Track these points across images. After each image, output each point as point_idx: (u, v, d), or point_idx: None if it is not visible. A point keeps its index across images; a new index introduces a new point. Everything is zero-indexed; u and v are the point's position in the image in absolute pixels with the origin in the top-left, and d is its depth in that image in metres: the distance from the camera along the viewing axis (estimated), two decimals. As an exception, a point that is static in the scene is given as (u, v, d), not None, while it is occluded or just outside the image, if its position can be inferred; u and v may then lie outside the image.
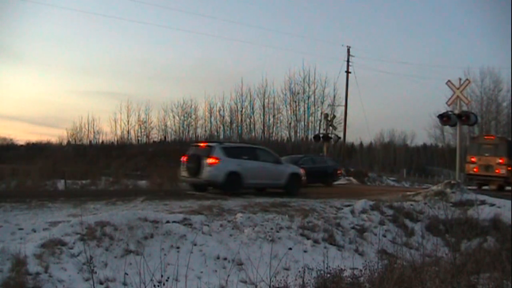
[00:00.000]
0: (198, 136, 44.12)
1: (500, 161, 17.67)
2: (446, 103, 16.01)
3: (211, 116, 44.74)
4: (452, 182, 13.97)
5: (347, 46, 33.03)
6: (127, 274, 5.70)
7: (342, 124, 34.04)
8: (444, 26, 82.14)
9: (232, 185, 12.50)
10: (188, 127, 45.54)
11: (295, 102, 41.02)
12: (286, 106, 41.64)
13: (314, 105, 40.52)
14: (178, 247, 7.19)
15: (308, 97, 40.58)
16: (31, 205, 9.39)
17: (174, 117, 45.64)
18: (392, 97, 76.76)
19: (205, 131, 44.74)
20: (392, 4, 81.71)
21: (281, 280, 5.53)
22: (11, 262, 5.84)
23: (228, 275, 5.75)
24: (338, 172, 22.39)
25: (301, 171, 14.49)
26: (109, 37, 75.94)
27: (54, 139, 50.35)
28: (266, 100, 42.07)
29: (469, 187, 15.82)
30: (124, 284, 5.82)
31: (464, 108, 16.19)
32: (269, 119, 42.33)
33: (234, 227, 8.33)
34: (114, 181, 16.98)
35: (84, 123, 47.63)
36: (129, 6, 75.14)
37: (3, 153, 38.54)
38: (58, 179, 15.76)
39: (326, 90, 39.72)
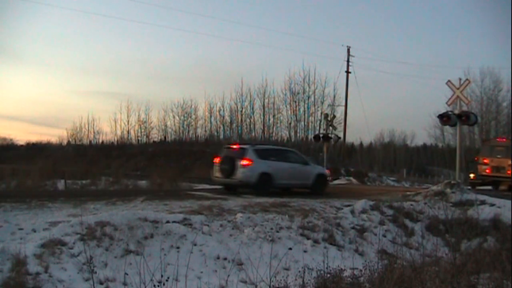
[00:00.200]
0: (198, 136, 44.09)
1: None
2: (446, 103, 15.97)
3: (211, 116, 44.58)
4: (452, 182, 13.93)
5: (347, 46, 33.16)
6: (127, 274, 5.70)
7: (342, 124, 34.12)
8: (444, 26, 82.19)
9: (263, 186, 13.01)
10: (188, 127, 45.35)
11: (295, 102, 40.85)
12: (286, 106, 41.45)
13: (314, 105, 40.34)
14: (178, 247, 7.19)
15: (308, 97, 40.39)
16: (31, 205, 9.40)
17: (174, 117, 45.44)
18: (392, 97, 76.71)
19: (205, 131, 44.61)
20: (392, 4, 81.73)
21: (281, 280, 5.53)
22: (11, 262, 5.84)
23: (228, 275, 5.75)
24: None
25: (327, 171, 15.50)
26: (109, 37, 76.11)
27: (54, 139, 50.54)
28: (266, 100, 41.90)
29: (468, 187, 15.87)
30: (124, 284, 5.82)
31: (464, 108, 16.11)
32: (269, 119, 42.16)
33: (234, 227, 8.33)
34: (114, 181, 16.97)
35: (84, 123, 47.53)
36: (129, 6, 75.39)
37: (3, 153, 38.65)
38: (58, 179, 15.76)
39: (326, 90, 39.52)
